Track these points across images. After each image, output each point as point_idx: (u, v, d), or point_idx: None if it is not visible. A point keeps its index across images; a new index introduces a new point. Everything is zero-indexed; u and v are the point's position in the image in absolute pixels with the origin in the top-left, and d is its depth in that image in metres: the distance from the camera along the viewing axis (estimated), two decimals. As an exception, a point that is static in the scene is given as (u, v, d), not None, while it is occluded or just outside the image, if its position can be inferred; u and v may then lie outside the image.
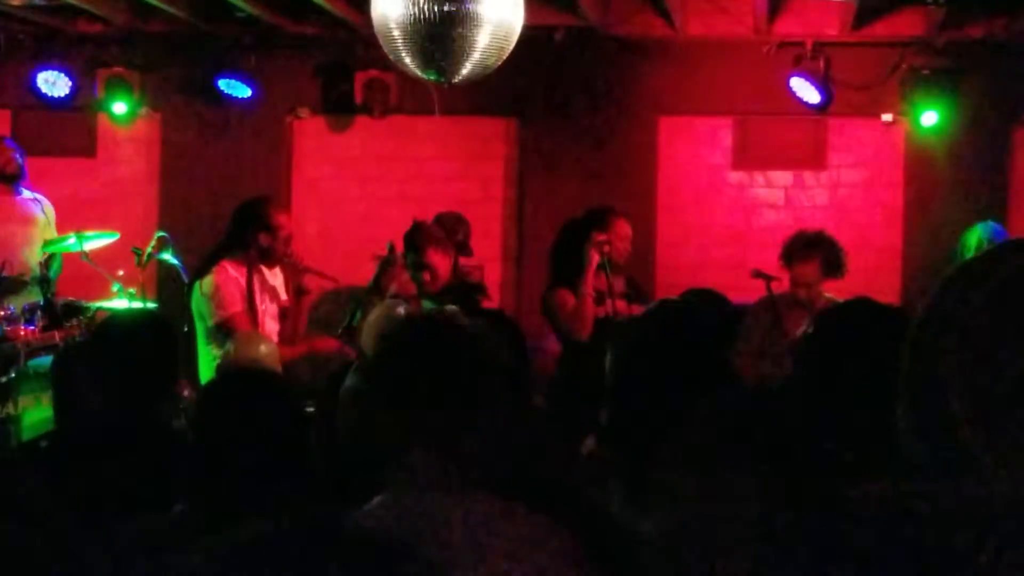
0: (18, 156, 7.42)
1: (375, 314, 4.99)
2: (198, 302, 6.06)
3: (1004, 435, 1.21)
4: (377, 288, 6.33)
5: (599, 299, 6.53)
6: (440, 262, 6.24)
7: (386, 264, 6.38)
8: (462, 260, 7.30)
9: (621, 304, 6.38)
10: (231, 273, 6.06)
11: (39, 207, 7.41)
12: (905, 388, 1.28)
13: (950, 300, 1.27)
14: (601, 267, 6.47)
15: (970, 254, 6.80)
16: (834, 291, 6.46)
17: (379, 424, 2.08)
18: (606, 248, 6.52)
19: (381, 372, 2.13)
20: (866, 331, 2.28)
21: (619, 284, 6.54)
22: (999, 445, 1.21)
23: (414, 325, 2.27)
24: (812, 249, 6.41)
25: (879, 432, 1.90)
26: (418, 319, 2.36)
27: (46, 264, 7.10)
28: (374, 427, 2.10)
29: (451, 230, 7.18)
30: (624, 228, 6.65)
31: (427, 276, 6.17)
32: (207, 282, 6.03)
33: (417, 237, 6.26)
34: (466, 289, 6.28)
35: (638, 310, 6.02)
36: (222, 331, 5.95)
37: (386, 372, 2.12)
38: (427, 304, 6.13)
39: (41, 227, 7.36)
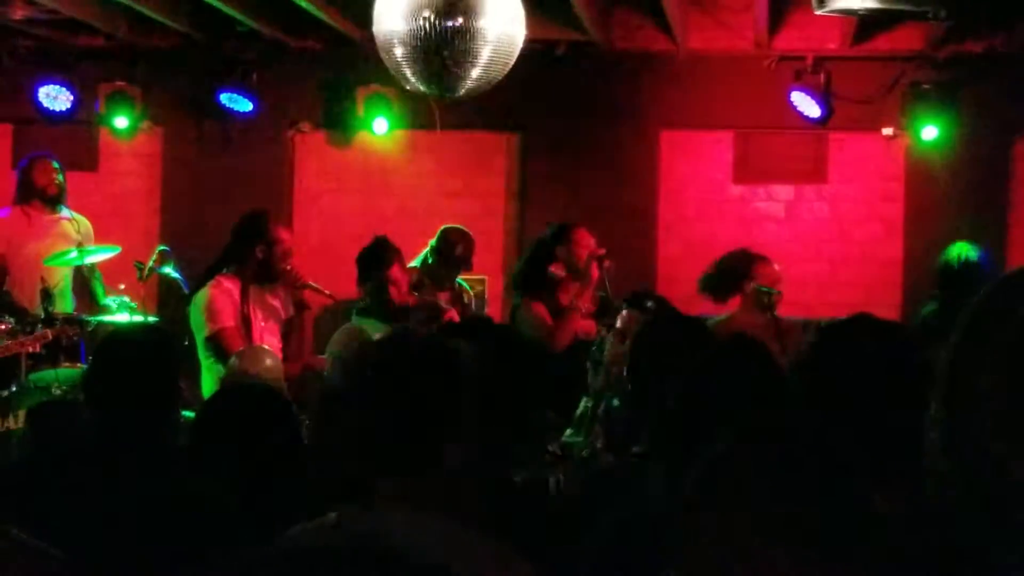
0: (61, 176, 7.49)
1: (336, 338, 4.97)
2: (194, 315, 6.08)
3: None
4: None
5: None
6: (404, 276, 6.25)
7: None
8: (463, 274, 7.31)
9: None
10: (225, 286, 6.06)
11: (74, 226, 7.42)
12: (941, 406, 1.26)
13: (989, 321, 1.26)
14: (600, 283, 6.45)
15: (944, 268, 6.71)
16: (834, 305, 6.43)
17: (343, 451, 2.04)
18: (606, 263, 6.50)
19: (348, 402, 2.08)
20: (868, 347, 2.28)
21: (587, 300, 6.48)
22: None
23: (384, 350, 2.18)
24: (764, 257, 6.30)
25: (884, 446, 1.90)
26: (387, 345, 2.26)
27: (86, 280, 7.21)
28: (341, 452, 2.07)
29: (452, 243, 7.19)
30: (586, 238, 6.61)
31: (394, 292, 6.15)
32: (201, 295, 6.06)
33: (386, 253, 6.21)
34: (434, 311, 6.22)
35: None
36: (212, 345, 5.96)
37: (353, 403, 2.07)
38: (371, 325, 6.07)
39: (75, 245, 7.34)
